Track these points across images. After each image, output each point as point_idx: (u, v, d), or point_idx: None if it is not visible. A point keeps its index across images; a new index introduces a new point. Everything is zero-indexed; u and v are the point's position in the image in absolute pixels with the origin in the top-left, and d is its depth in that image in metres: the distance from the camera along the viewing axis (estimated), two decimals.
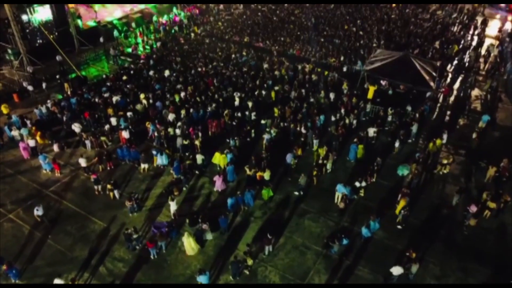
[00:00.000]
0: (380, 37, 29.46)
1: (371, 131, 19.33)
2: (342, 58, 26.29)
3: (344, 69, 25.33)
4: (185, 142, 18.38)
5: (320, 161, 17.64)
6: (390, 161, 18.46)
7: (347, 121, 20.13)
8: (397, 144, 18.76)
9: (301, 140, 19.33)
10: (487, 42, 30.66)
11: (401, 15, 34.57)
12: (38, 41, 27.28)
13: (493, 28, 33.58)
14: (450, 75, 25.84)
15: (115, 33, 30.09)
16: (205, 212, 15.35)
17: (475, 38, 31.12)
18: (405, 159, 18.30)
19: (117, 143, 19.29)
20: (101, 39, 28.92)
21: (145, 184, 17.16)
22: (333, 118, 20.43)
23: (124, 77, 23.76)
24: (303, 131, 19.41)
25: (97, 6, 32.03)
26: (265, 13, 34.68)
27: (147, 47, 29.46)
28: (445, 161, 17.57)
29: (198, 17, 34.41)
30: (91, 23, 31.13)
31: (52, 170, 17.48)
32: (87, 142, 18.83)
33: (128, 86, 22.73)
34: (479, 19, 34.17)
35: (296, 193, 16.49)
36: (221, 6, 36.91)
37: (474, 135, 19.32)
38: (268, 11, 35.16)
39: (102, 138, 18.99)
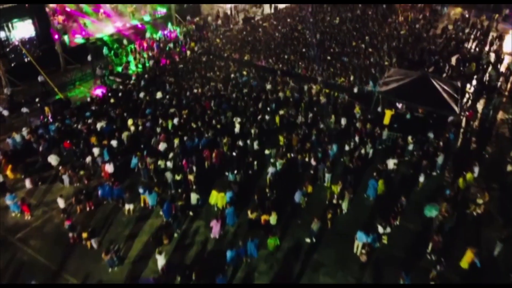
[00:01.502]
0: (391, 54, 27.45)
1: (391, 163, 17.04)
2: (351, 78, 24.18)
3: (355, 90, 23.19)
4: (178, 178, 16.04)
5: (335, 200, 15.29)
6: (414, 197, 16.12)
7: (362, 151, 17.82)
8: (421, 179, 16.44)
9: (311, 173, 17.03)
10: (506, 59, 28.66)
11: (412, 30, 32.66)
12: (24, 59, 25.19)
13: (508, 44, 31.67)
14: (471, 96, 23.69)
15: (105, 50, 28.10)
16: (200, 266, 12.89)
17: (492, 54, 29.16)
18: (431, 196, 15.96)
19: (99, 178, 16.94)
20: (89, 57, 26.88)
21: (129, 229, 14.75)
22: (346, 147, 18.12)
23: (112, 100, 21.52)
24: (313, 162, 17.10)
25: (88, 21, 30.22)
26: (266, 29, 32.76)
27: (140, 65, 27.34)
28: (480, 201, 15.23)
29: (195, 32, 32.43)
30: (79, 40, 29.11)
31: (21, 212, 15.07)
32: (65, 177, 16.46)
33: (115, 110, 20.47)
34: (494, 35, 32.33)
35: (308, 240, 14.09)
36: (220, 22, 35.05)
37: (509, 168, 17.03)
38: (269, 27, 33.25)
39: (82, 173, 16.63)
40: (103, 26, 31.16)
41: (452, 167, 17.68)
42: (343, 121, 19.92)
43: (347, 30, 32.36)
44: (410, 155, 18.21)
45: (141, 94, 22.09)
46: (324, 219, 14.49)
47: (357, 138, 18.61)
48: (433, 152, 17.90)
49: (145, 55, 28.47)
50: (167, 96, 21.97)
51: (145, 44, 29.88)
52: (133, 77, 25.17)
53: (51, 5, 28.25)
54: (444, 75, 25.80)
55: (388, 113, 19.79)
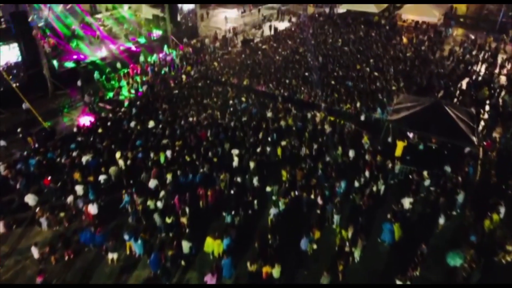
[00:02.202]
0: (398, 78, 26.21)
1: (407, 203, 15.45)
2: (357, 104, 22.80)
3: (362, 117, 21.79)
4: (168, 221, 14.42)
5: (346, 247, 13.63)
6: (434, 241, 14.49)
7: (374, 188, 16.25)
8: (441, 221, 14.83)
9: (318, 214, 15.45)
10: None
11: (417, 52, 31.58)
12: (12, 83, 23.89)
13: None
14: (486, 124, 22.30)
15: (96, 75, 26.83)
16: None
17: (503, 78, 27.97)
18: (453, 240, 14.36)
19: (81, 220, 15.31)
20: (79, 82, 25.60)
21: (112, 281, 13.06)
22: (355, 183, 16.56)
23: (100, 130, 20.05)
24: (320, 201, 15.53)
25: (81, 44, 29.19)
26: (266, 51, 31.64)
27: (132, 91, 26.01)
28: (510, 247, 13.58)
29: (192, 55, 31.29)
30: (69, 64, 27.91)
31: None
32: (42, 220, 14.81)
33: (101, 142, 18.98)
34: (503, 57, 31.25)
35: None
36: (217, 44, 34.00)
37: None
38: (269, 49, 32.16)
39: (62, 215, 15.00)
40: (95, 49, 30.06)
41: (474, 206, 16.07)
42: (351, 153, 18.39)
43: (350, 52, 31.25)
44: (426, 192, 16.65)
45: (132, 123, 20.65)
46: (334, 269, 12.82)
47: (367, 173, 17.05)
48: (452, 188, 16.37)
49: (138, 79, 27.19)
50: (160, 125, 20.51)
51: (139, 68, 28.65)
52: (126, 103, 23.87)
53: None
54: (455, 100, 24.52)
55: (400, 145, 18.30)
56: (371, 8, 42.21)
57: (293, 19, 43.57)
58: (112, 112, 22.32)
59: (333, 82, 25.61)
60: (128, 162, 17.53)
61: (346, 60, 29.58)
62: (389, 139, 19.77)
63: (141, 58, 29.90)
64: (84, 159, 17.62)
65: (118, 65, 28.56)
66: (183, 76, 26.84)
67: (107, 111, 22.94)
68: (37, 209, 15.02)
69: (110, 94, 25.80)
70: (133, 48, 31.27)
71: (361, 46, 32.88)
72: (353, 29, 37.90)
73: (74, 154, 18.07)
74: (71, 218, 15.38)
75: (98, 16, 39.74)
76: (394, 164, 17.66)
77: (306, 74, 27.03)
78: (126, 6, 42.00)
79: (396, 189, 16.97)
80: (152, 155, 18.15)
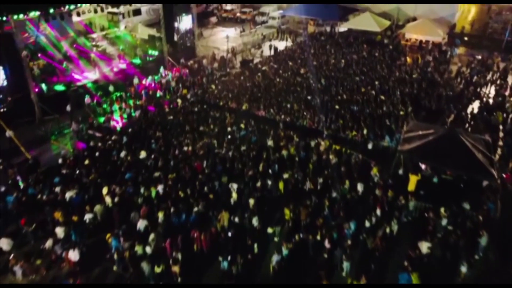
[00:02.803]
0: (406, 102, 24.98)
1: (424, 247, 13.96)
2: (364, 131, 21.48)
3: (369, 145, 20.44)
4: (158, 270, 12.91)
5: None
6: None
7: (387, 229, 14.79)
8: (463, 269, 13.32)
9: (325, 258, 13.97)
10: None
11: (424, 74, 30.46)
12: None
13: None
14: (502, 153, 20.97)
15: (86, 98, 25.57)
16: None
17: None
18: None
19: (61, 267, 13.79)
20: (68, 107, 24.34)
21: None
22: (366, 223, 15.10)
23: (86, 161, 18.65)
24: (327, 245, 14.06)
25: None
26: (266, 73, 30.51)
27: (125, 115, 24.70)
28: None
29: (188, 78, 30.14)
30: (59, 87, 26.71)
31: None
32: (17, 269, 13.29)
33: (88, 175, 17.57)
34: None
35: None
36: (216, 65, 32.91)
37: None
38: (269, 71, 31.03)
39: (38, 262, 13.50)
40: (88, 71, 28.94)
41: (499, 249, 14.60)
42: (360, 188, 16.99)
43: (354, 74, 30.11)
44: (444, 233, 15.17)
45: (122, 154, 19.27)
46: None
47: (378, 211, 15.61)
48: (472, 228, 14.92)
49: (131, 103, 25.93)
50: (152, 156, 19.11)
51: (132, 90, 27.45)
52: (118, 126, 22.59)
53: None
54: (467, 125, 23.26)
55: (414, 179, 16.91)
56: (373, 27, 41.43)
57: (294, 38, 42.68)
58: (102, 140, 20.93)
59: (337, 107, 24.35)
60: (116, 199, 16.05)
61: (350, 82, 28.42)
62: (400, 171, 18.39)
63: (135, 80, 28.69)
64: (68, 195, 16.18)
65: (111, 88, 27.34)
66: (179, 100, 25.53)
67: (96, 139, 21.51)
68: (11, 256, 13.50)
69: (102, 119, 24.50)
70: (128, 69, 30.14)
71: (365, 67, 31.78)
72: (356, 49, 36.90)
73: (57, 189, 16.62)
74: (50, 265, 13.85)
75: (93, 36, 38.96)
76: (407, 200, 16.26)
77: (309, 97, 25.79)
78: (122, 26, 41.34)
79: (410, 229, 15.55)
80: (142, 190, 16.74)
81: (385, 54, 35.66)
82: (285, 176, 17.63)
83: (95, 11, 29.79)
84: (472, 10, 56.88)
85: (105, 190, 16.33)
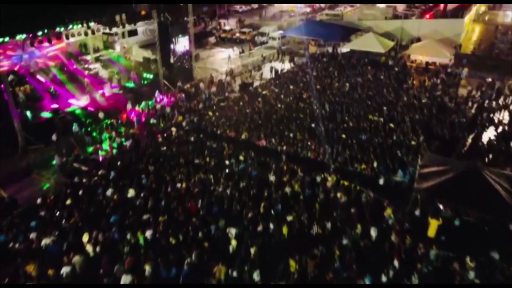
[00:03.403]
0: (416, 130, 23.44)
1: None
2: (374, 164, 19.86)
3: (381, 181, 18.77)
4: None
5: None
6: None
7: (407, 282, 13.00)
8: None
9: None
10: None
11: (434, 98, 29.05)
12: None
13: None
14: None
15: (74, 127, 24.03)
16: None
17: None
18: None
19: None
20: (54, 137, 22.77)
21: None
22: (383, 277, 13.30)
23: (68, 201, 16.93)
24: None
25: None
26: (267, 97, 29.05)
27: (115, 144, 23.11)
28: None
29: (184, 103, 28.67)
30: (45, 114, 25.21)
31: None
32: None
33: (68, 218, 15.83)
34: None
35: None
36: (213, 89, 31.48)
37: None
38: (270, 95, 29.59)
39: None
40: (77, 96, 27.52)
41: None
42: (373, 233, 15.23)
43: (359, 99, 28.67)
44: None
45: (109, 192, 17.55)
46: None
47: (396, 262, 13.83)
48: (504, 285, 13.14)
49: (123, 130, 24.36)
50: (142, 194, 17.40)
51: (124, 117, 25.93)
52: (106, 159, 20.98)
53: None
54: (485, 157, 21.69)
55: (434, 224, 15.20)
56: (377, 47, 40.36)
57: (295, 59, 41.53)
58: (87, 175, 19.23)
59: (343, 136, 22.78)
60: (98, 248, 14.27)
61: (356, 108, 26.93)
62: (417, 212, 16.68)
63: (129, 106, 27.20)
64: (44, 242, 14.42)
65: (101, 115, 25.80)
66: (173, 129, 23.94)
67: (82, 173, 19.82)
68: None
69: (91, 149, 22.89)
70: (121, 94, 28.76)
71: (371, 91, 30.39)
72: (360, 71, 35.62)
73: (33, 235, 14.85)
74: None
75: (87, 57, 37.76)
76: (428, 248, 14.50)
77: (312, 125, 24.24)
78: (118, 47, 40.18)
79: (432, 280, 13.74)
80: (129, 235, 14.98)
81: (391, 76, 34.38)
82: (289, 218, 15.92)
83: (86, 34, 28.50)
84: (476, 30, 56.18)
85: (86, 237, 14.58)
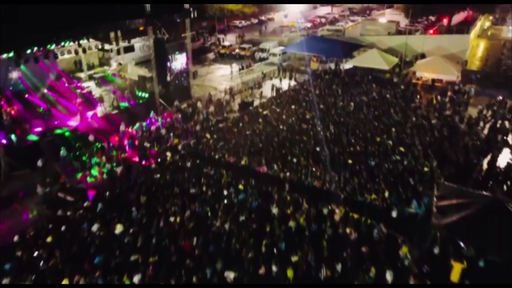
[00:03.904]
0: (428, 155, 22.00)
1: None
2: (386, 193, 18.36)
3: (393, 213, 17.23)
4: None
5: None
6: None
7: None
8: None
9: None
10: None
11: (444, 119, 27.70)
12: None
13: None
14: None
15: (62, 151, 22.56)
16: None
17: None
18: None
19: None
20: (39, 162, 21.31)
21: None
22: None
23: (49, 238, 15.36)
24: None
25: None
26: (268, 118, 27.66)
27: (105, 170, 21.60)
28: None
29: (181, 124, 27.27)
30: (31, 137, 23.79)
31: None
32: None
33: (48, 259, 14.23)
34: None
35: None
36: (211, 108, 30.13)
37: None
38: (271, 115, 28.20)
39: None
40: (68, 117, 26.17)
41: None
42: (389, 276, 13.64)
43: (366, 119, 27.29)
44: None
45: (95, 227, 15.99)
46: None
47: None
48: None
49: (114, 154, 22.90)
50: (131, 230, 15.83)
51: (117, 140, 24.50)
52: (94, 187, 19.45)
53: None
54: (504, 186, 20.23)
55: (458, 267, 13.65)
56: (381, 64, 39.38)
57: (296, 77, 40.39)
58: (72, 208, 17.68)
59: (350, 161, 21.31)
60: None
61: (362, 129, 25.53)
62: (436, 250, 15.12)
63: (122, 127, 25.80)
64: None
65: (91, 137, 24.36)
66: (168, 154, 22.48)
67: (67, 205, 18.27)
68: None
69: (79, 175, 21.39)
70: (114, 114, 27.41)
71: (377, 110, 29.05)
72: (365, 89, 34.36)
73: (6, 281, 13.25)
74: None
75: (81, 75, 36.68)
76: None
77: (317, 149, 22.79)
78: (114, 64, 39.09)
79: None
80: (115, 279, 13.39)
81: (397, 95, 33.11)
82: (294, 259, 14.34)
83: (76, 52, 27.23)
84: (481, 46, 55.35)
85: (66, 283, 12.97)
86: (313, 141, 23.96)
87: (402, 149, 22.77)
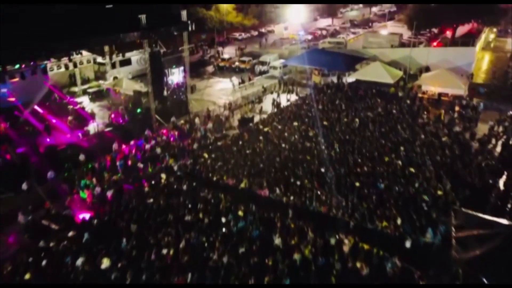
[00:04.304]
0: (441, 176, 20.64)
1: None
2: (398, 221, 16.95)
3: (407, 243, 15.83)
4: None
5: None
6: None
7: None
8: None
9: None
10: None
11: (454, 136, 26.41)
12: None
13: None
14: None
15: (49, 173, 21.21)
16: None
17: None
18: None
19: None
20: (24, 186, 19.95)
21: None
22: None
23: (27, 275, 13.89)
24: None
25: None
26: (269, 135, 26.34)
27: (95, 192, 20.22)
28: None
29: (177, 142, 25.95)
30: (17, 157, 22.44)
31: None
32: None
33: None
34: None
35: None
36: (210, 125, 28.84)
37: None
38: (272, 133, 26.87)
39: None
40: (58, 135, 24.89)
41: None
42: None
43: (372, 136, 25.97)
44: None
45: (79, 261, 14.53)
46: None
47: None
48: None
49: (106, 176, 21.55)
50: (119, 265, 14.39)
51: (109, 160, 23.15)
52: (81, 215, 18.09)
53: None
54: None
55: None
56: (386, 77, 38.29)
57: (297, 90, 39.28)
58: (56, 238, 16.24)
59: (358, 184, 19.94)
60: None
61: (369, 148, 24.22)
62: (458, 282, 13.69)
63: (114, 146, 24.49)
64: None
65: (82, 157, 23.03)
66: (163, 175, 21.09)
67: (50, 234, 16.85)
68: None
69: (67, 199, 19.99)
70: (107, 131, 26.15)
71: (383, 126, 27.74)
72: (369, 104, 33.13)
73: None
74: None
75: (75, 89, 35.54)
76: None
77: (322, 170, 21.44)
78: (110, 78, 38.04)
79: None
80: None
81: (403, 110, 31.87)
82: None
83: (66, 67, 26.00)
84: (486, 58, 54.40)
85: None
86: (317, 161, 22.64)
87: (412, 169, 21.42)
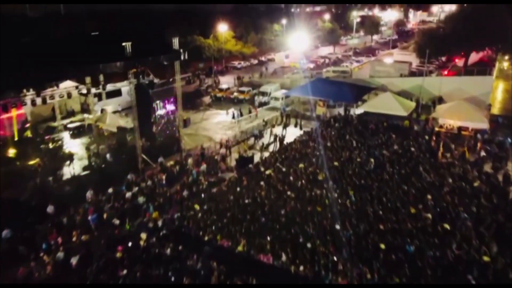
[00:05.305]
0: (483, 235, 16.98)
1: None
2: None
3: None
4: None
5: None
6: None
7: None
8: None
9: None
10: None
11: (487, 179, 22.90)
12: None
13: None
14: None
15: (5, 232, 17.48)
16: None
17: None
18: None
19: None
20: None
21: None
22: None
23: None
24: None
25: None
26: (272, 180, 22.74)
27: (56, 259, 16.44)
28: None
29: (164, 188, 22.36)
30: None
31: None
32: None
33: None
34: None
35: None
36: (203, 167, 25.26)
37: None
38: (275, 177, 23.26)
39: None
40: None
41: None
42: None
43: (391, 181, 22.40)
44: None
45: None
46: None
47: None
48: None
49: (74, 234, 17.86)
50: None
51: (81, 213, 19.50)
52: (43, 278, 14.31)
53: None
54: None
55: None
56: (398, 109, 35.12)
57: (302, 124, 36.07)
58: None
59: (383, 246, 16.22)
60: None
61: (390, 195, 20.62)
62: None
63: (88, 195, 20.89)
64: None
65: (50, 208, 19.39)
66: (143, 235, 17.34)
67: None
68: None
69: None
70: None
71: (403, 168, 24.19)
72: (383, 140, 29.69)
73: None
74: None
75: (54, 124, 32.28)
76: None
77: (337, 227, 17.76)
78: (98, 110, 34.89)
79: None
80: None
81: (422, 147, 28.43)
82: None
83: (44, 101, 22.48)
84: (500, 87, 51.56)
85: None
86: (330, 214, 18.98)
87: (446, 226, 17.75)
